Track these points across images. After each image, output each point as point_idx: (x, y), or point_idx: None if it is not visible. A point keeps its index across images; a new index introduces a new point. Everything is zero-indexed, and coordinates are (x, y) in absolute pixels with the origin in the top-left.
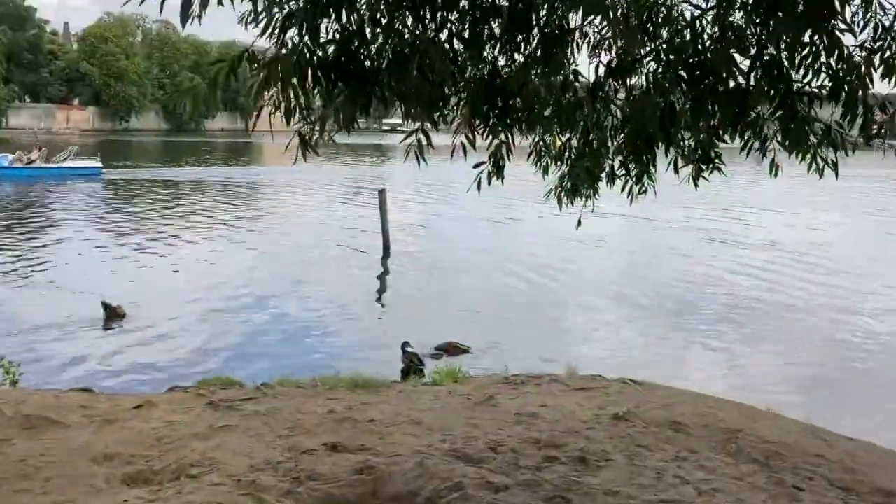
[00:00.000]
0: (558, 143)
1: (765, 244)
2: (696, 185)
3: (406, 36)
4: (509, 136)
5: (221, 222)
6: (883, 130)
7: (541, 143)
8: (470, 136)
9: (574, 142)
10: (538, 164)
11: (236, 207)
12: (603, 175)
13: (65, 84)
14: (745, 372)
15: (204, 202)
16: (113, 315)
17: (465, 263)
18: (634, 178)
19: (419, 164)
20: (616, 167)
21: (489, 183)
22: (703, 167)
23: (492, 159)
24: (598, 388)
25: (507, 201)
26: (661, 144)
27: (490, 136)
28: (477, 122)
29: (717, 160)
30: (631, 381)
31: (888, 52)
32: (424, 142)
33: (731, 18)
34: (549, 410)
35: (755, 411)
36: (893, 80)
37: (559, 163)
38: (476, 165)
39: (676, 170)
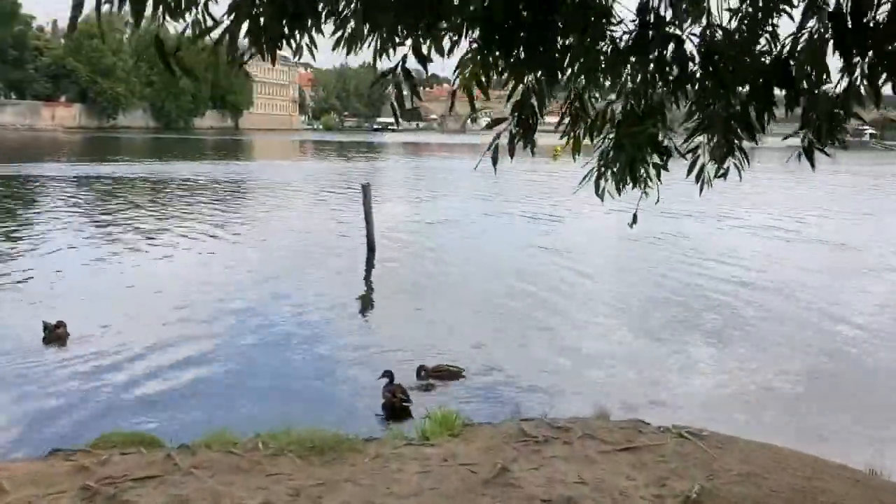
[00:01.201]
0: (601, 99)
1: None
2: (811, 163)
3: None
4: (542, 79)
5: (188, 223)
6: None
7: (577, 103)
8: (482, 77)
9: (628, 96)
10: (572, 133)
11: (214, 208)
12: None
13: (51, 81)
14: (806, 409)
15: (158, 201)
16: (53, 336)
17: (457, 266)
18: (720, 155)
19: (398, 122)
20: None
21: (511, 153)
22: (822, 140)
23: (516, 115)
24: (648, 447)
25: (506, 195)
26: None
27: (512, 80)
28: (493, 56)
29: (839, 131)
30: (688, 434)
31: None
32: (406, 89)
33: None
34: (591, 491)
35: (868, 480)
36: None
37: (597, 133)
38: (491, 124)
39: (820, 136)
